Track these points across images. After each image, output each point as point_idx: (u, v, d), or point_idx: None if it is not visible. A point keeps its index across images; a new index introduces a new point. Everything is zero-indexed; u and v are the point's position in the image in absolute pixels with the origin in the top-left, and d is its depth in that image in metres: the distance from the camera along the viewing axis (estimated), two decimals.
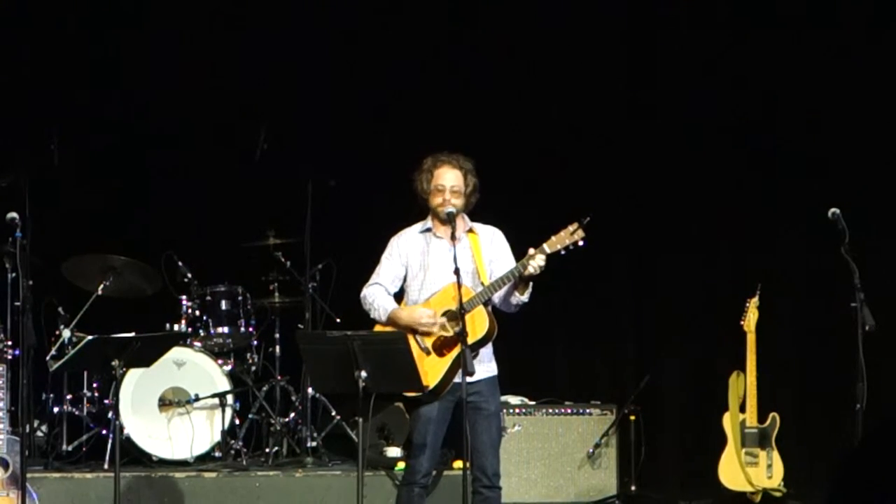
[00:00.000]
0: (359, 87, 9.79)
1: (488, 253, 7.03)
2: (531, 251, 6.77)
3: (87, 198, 9.68)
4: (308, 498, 8.33)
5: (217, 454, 8.77)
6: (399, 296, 7.09)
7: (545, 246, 6.78)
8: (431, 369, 6.83)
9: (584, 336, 10.00)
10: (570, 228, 6.82)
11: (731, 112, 9.70)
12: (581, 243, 6.81)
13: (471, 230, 7.06)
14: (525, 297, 6.91)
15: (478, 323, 6.83)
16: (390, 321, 6.95)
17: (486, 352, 6.98)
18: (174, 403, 8.73)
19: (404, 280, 7.07)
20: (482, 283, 6.92)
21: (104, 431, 8.70)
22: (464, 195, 6.98)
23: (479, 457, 6.88)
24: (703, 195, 9.73)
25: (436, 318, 6.86)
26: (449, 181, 6.98)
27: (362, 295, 7.06)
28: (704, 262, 9.79)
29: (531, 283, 6.86)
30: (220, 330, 9.11)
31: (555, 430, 9.03)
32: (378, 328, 7.00)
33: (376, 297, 7.01)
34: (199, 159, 9.71)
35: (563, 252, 6.81)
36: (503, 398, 8.62)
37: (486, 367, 6.93)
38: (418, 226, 7.12)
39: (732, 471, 8.82)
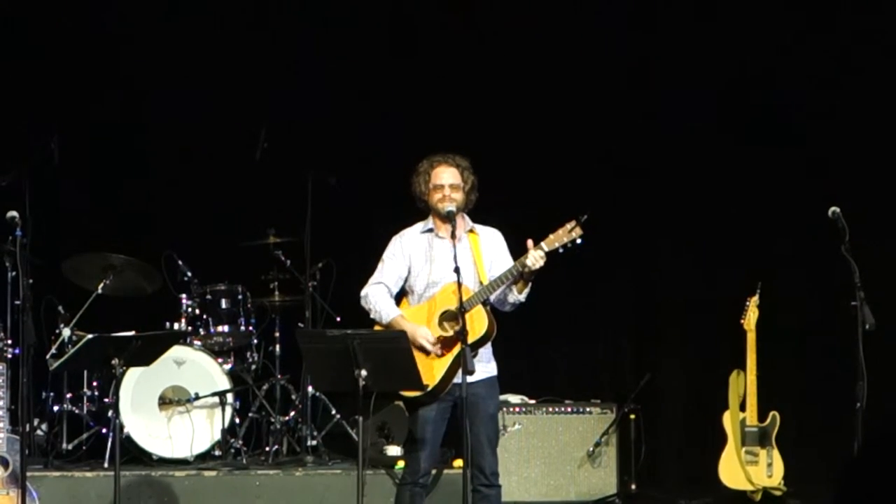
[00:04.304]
0: (359, 85, 9.79)
1: (488, 253, 7.03)
2: (529, 243, 6.78)
3: (87, 197, 9.68)
4: (308, 497, 8.33)
5: (217, 453, 8.77)
6: (400, 296, 7.10)
7: (543, 244, 6.78)
8: (432, 369, 6.83)
9: (584, 335, 10.00)
10: (568, 226, 6.82)
11: (731, 111, 9.69)
12: (579, 241, 6.81)
13: (471, 230, 7.06)
14: (522, 297, 6.91)
15: (477, 322, 6.83)
16: (391, 328, 6.95)
17: (486, 352, 6.98)
18: (174, 402, 8.73)
19: (406, 280, 7.07)
20: (482, 283, 6.92)
21: (104, 430, 8.69)
22: (463, 192, 6.98)
23: (477, 456, 6.88)
24: (704, 194, 9.73)
25: (434, 344, 6.85)
26: (447, 179, 6.99)
27: (363, 293, 7.05)
28: (704, 261, 9.79)
29: (530, 283, 6.86)
30: (220, 329, 9.11)
31: (555, 429, 9.03)
32: (378, 328, 7.01)
33: (378, 298, 7.00)
34: (199, 158, 9.71)
35: (561, 250, 6.82)
36: (503, 397, 8.63)
37: (485, 367, 6.93)
38: (419, 226, 7.12)
39: (732, 469, 8.82)
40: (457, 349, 6.76)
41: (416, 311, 6.99)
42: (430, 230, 7.06)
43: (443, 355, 6.86)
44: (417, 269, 7.03)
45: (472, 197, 7.04)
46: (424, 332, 6.87)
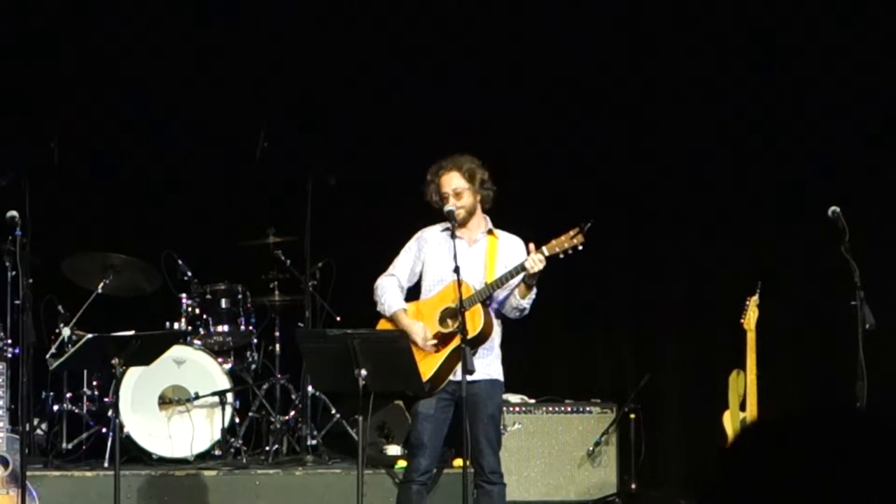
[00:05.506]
0: (359, 85, 9.79)
1: (504, 258, 7.09)
2: (531, 246, 6.83)
3: (87, 197, 9.68)
4: (308, 496, 8.33)
5: (217, 452, 8.76)
6: (418, 292, 7.16)
7: (544, 249, 6.84)
8: (426, 364, 6.89)
9: (584, 335, 10.00)
10: (571, 233, 6.89)
11: (731, 111, 9.69)
12: (580, 248, 6.88)
13: (491, 232, 7.12)
14: (525, 303, 6.95)
15: (475, 320, 6.88)
16: (392, 321, 7.01)
17: (489, 352, 7.02)
18: (174, 402, 8.73)
19: (420, 276, 7.14)
20: (486, 284, 6.97)
21: (104, 430, 8.68)
22: (469, 192, 7.03)
23: (476, 455, 6.98)
24: (704, 194, 9.72)
25: (427, 340, 6.90)
26: (449, 186, 7.05)
27: (376, 284, 7.18)
28: (704, 260, 9.78)
29: (533, 288, 6.90)
30: (220, 328, 9.11)
31: (555, 429, 9.03)
32: (382, 322, 7.06)
33: (387, 291, 7.10)
34: (199, 158, 9.71)
35: (561, 255, 6.88)
36: (503, 397, 8.63)
37: (486, 367, 6.97)
38: (440, 225, 7.22)
39: None
40: (452, 345, 6.84)
41: (421, 307, 7.06)
42: (447, 230, 7.12)
43: (439, 350, 6.92)
44: (428, 267, 7.15)
45: (485, 192, 7.09)
46: (419, 328, 6.94)
